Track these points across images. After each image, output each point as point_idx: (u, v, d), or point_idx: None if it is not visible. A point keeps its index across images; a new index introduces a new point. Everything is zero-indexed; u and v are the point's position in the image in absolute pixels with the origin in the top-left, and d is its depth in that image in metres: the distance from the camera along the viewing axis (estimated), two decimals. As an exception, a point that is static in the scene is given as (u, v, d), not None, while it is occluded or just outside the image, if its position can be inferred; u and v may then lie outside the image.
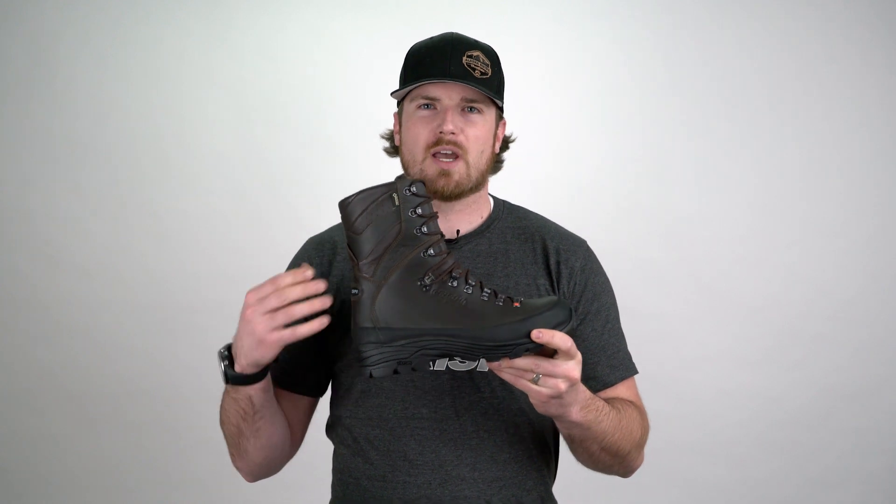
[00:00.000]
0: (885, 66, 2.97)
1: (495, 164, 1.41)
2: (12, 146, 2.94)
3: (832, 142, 2.98)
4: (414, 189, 1.14)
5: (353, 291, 1.13)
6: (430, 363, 1.12)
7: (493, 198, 1.44)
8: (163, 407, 2.94)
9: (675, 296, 2.96)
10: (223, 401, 1.30)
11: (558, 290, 1.35)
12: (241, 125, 2.96)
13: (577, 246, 1.41)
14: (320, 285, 1.12)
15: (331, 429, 1.43)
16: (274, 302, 1.12)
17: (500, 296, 1.12)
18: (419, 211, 1.14)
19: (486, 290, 1.13)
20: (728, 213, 2.97)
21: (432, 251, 1.13)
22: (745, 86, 2.97)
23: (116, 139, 2.95)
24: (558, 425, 1.23)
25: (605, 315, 1.38)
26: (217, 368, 1.23)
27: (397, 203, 1.13)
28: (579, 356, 1.11)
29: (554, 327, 1.08)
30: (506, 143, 1.43)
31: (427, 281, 1.12)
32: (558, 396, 1.11)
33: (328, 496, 1.44)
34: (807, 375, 2.95)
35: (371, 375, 1.12)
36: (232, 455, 1.37)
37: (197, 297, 2.94)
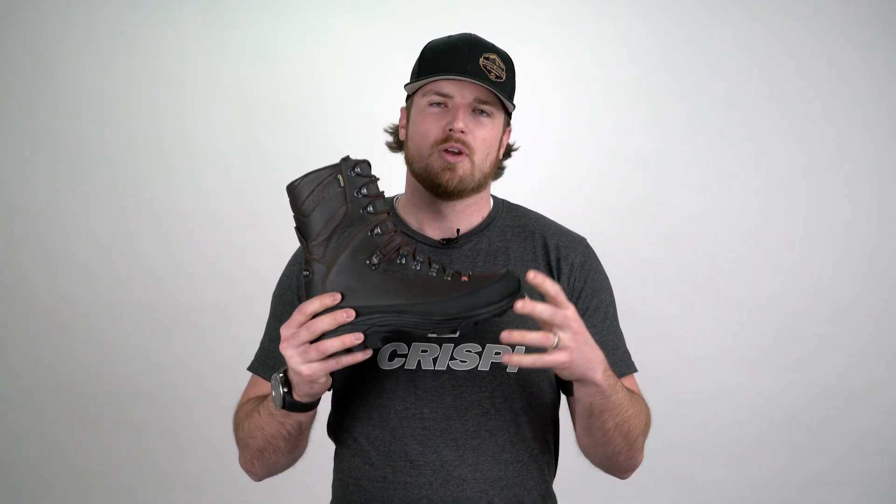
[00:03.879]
0: (886, 67, 2.98)
1: (497, 170, 1.41)
2: (12, 146, 2.94)
3: (833, 142, 2.98)
4: (358, 170, 1.15)
5: (304, 273, 1.14)
6: (381, 341, 1.13)
7: (493, 197, 1.45)
8: (162, 407, 2.94)
9: (675, 296, 2.96)
10: (255, 414, 1.30)
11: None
12: (241, 125, 2.96)
13: (577, 243, 1.41)
14: (351, 313, 1.11)
15: (331, 428, 1.43)
16: (304, 336, 1.11)
17: (448, 270, 1.13)
18: (364, 191, 1.14)
19: (434, 265, 1.14)
20: (728, 213, 2.97)
21: (379, 230, 1.14)
22: (745, 86, 2.98)
23: (116, 139, 2.95)
24: (580, 395, 1.21)
25: (603, 312, 1.38)
26: (275, 392, 1.21)
27: (343, 184, 1.14)
28: (572, 306, 1.11)
29: (503, 298, 1.09)
30: (508, 150, 1.43)
31: (375, 259, 1.12)
32: (569, 352, 1.10)
33: (329, 496, 1.44)
34: (807, 375, 2.96)
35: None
36: (249, 461, 1.36)
37: (196, 297, 2.94)
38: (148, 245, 2.94)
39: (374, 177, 1.16)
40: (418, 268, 1.13)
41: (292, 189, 1.14)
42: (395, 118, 1.46)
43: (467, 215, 1.38)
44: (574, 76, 2.98)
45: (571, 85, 2.98)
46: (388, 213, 1.16)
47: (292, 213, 1.15)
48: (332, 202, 1.13)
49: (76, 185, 2.94)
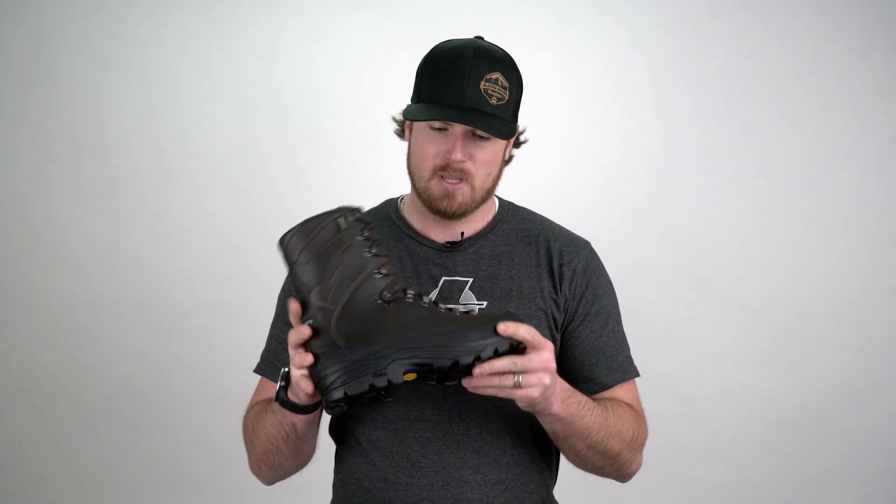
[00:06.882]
0: (886, 67, 2.97)
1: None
2: (12, 146, 2.94)
3: (833, 142, 2.98)
4: (357, 215, 1.16)
5: (309, 322, 1.13)
6: (402, 374, 1.12)
7: (499, 199, 1.44)
8: (162, 407, 2.94)
9: (675, 296, 2.96)
10: (262, 415, 1.30)
11: (561, 291, 1.36)
12: (240, 125, 2.96)
13: (581, 248, 1.41)
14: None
15: (333, 428, 1.43)
16: (298, 360, 1.12)
17: (454, 309, 1.15)
18: (367, 234, 1.15)
19: (441, 306, 1.15)
20: (729, 213, 2.97)
21: (384, 271, 1.15)
22: (746, 86, 2.97)
23: (116, 139, 2.95)
24: (541, 421, 1.24)
25: (605, 317, 1.38)
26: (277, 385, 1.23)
27: (343, 227, 1.14)
28: (550, 345, 1.12)
29: (509, 338, 1.10)
30: (518, 142, 1.42)
31: (386, 296, 1.13)
32: (543, 393, 1.12)
33: (329, 496, 1.44)
34: (807, 376, 2.96)
35: (346, 395, 1.09)
36: (255, 464, 1.36)
37: (196, 296, 2.94)
38: (148, 245, 2.94)
39: (371, 223, 1.18)
40: (427, 306, 1.14)
41: (285, 242, 1.15)
42: (395, 115, 1.45)
43: (471, 219, 1.38)
44: (575, 76, 2.98)
45: (572, 85, 2.98)
46: (387, 257, 1.17)
47: (287, 266, 1.15)
48: (334, 248, 1.13)
49: (76, 185, 2.94)
